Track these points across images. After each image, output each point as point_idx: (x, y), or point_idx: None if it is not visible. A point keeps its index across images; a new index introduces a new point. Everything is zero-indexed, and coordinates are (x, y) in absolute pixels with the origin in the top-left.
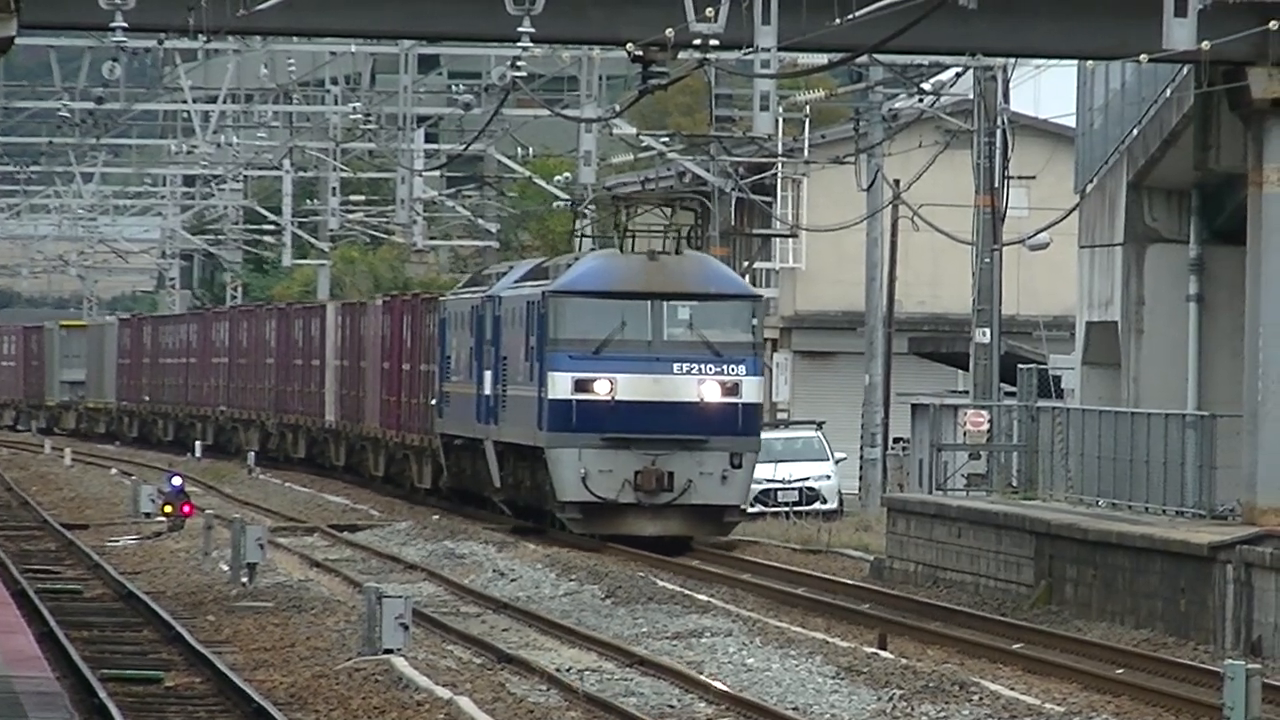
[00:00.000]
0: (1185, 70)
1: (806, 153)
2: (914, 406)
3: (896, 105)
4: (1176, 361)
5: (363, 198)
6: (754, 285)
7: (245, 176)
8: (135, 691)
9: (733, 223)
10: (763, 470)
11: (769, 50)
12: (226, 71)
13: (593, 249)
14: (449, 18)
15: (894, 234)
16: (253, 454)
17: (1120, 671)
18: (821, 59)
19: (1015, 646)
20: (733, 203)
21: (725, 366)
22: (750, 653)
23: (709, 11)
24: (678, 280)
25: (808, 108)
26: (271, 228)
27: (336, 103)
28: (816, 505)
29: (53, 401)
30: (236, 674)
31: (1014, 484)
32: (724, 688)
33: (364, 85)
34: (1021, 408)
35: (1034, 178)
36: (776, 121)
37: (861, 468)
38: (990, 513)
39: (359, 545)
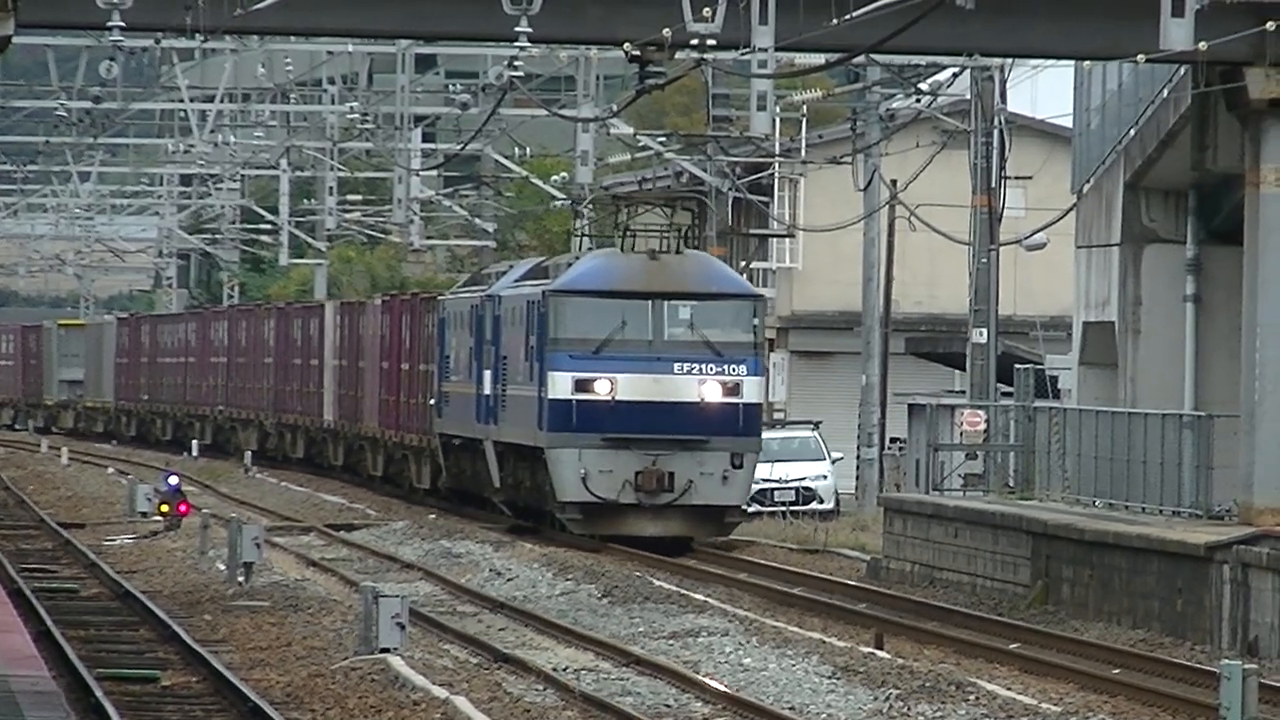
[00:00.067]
0: (1182, 71)
1: (804, 153)
2: (911, 406)
3: (894, 105)
4: (1173, 362)
5: (360, 197)
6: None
7: (242, 176)
8: (132, 691)
9: (730, 223)
10: (759, 470)
11: (766, 50)
12: (224, 71)
13: (590, 249)
14: (446, 17)
15: (891, 234)
16: (249, 453)
17: (1117, 671)
18: (819, 59)
19: (1012, 646)
20: (730, 203)
21: (726, 366)
22: (747, 652)
23: (706, 11)
24: (679, 280)
25: (805, 108)
26: (268, 227)
27: (334, 102)
28: (813, 505)
29: (51, 401)
30: (233, 673)
31: (1011, 484)
32: (721, 687)
33: (361, 85)
34: (1018, 408)
35: (1031, 178)
36: (773, 121)
37: (858, 467)
38: (987, 513)
39: (355, 545)
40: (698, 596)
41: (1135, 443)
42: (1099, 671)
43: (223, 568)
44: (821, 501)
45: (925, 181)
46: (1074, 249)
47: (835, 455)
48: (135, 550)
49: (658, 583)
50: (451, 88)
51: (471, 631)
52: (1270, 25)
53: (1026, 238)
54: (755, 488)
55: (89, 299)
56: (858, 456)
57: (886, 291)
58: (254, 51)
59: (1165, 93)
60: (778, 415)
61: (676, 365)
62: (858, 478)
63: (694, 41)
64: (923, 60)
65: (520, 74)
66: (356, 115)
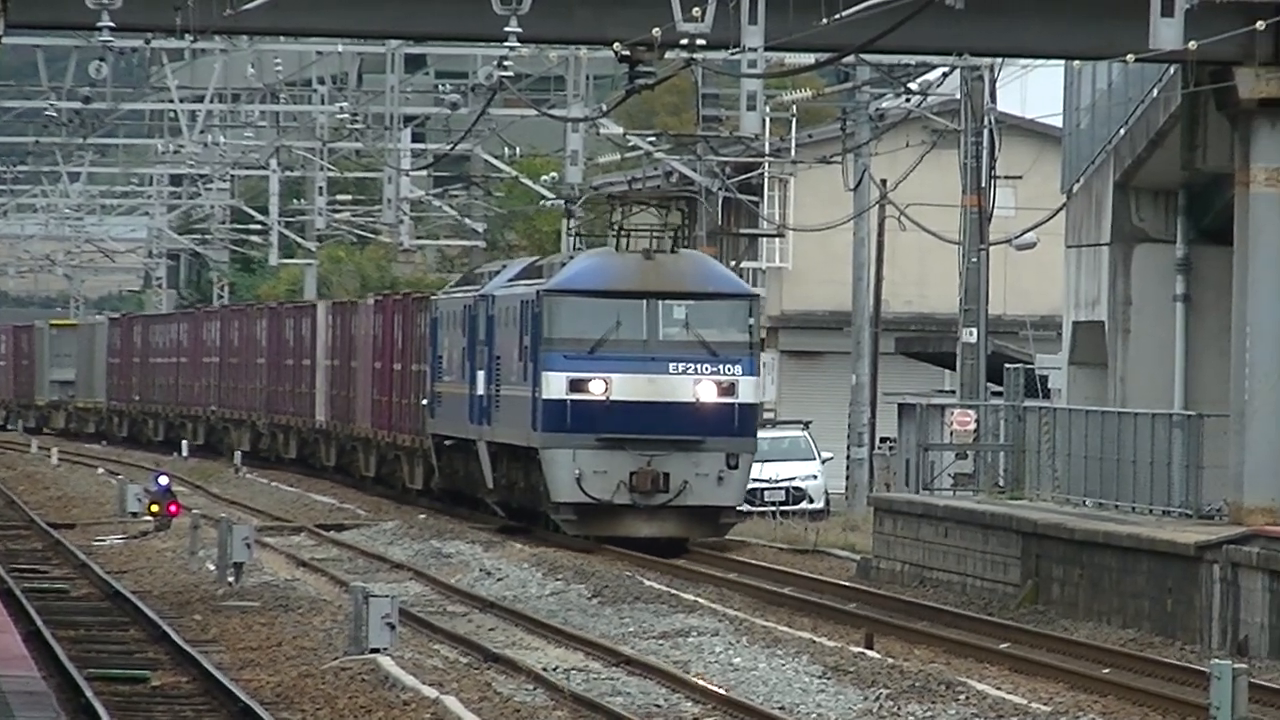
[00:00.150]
0: (1172, 70)
1: (793, 152)
2: (901, 406)
3: (883, 105)
4: (1163, 361)
5: (349, 197)
6: None
7: (232, 176)
8: (122, 691)
9: (719, 222)
10: None
11: (756, 50)
12: (213, 71)
13: (579, 249)
14: (436, 17)
15: (881, 234)
16: (239, 454)
17: (1107, 671)
18: (808, 59)
19: (1002, 646)
20: (719, 203)
21: (721, 366)
22: (737, 652)
23: (696, 11)
24: (674, 279)
25: (794, 107)
26: (258, 227)
27: (323, 102)
28: (803, 505)
29: (42, 401)
30: (223, 673)
31: (1001, 484)
32: (718, 691)
33: (351, 85)
34: (1008, 407)
35: (1021, 177)
36: (763, 121)
37: (848, 467)
38: (977, 512)
39: (346, 545)
40: (688, 596)
41: (1125, 442)
42: (1089, 671)
43: (213, 568)
44: (811, 501)
45: (915, 181)
46: (1064, 248)
47: (825, 455)
48: (125, 550)
49: (648, 583)
50: (441, 88)
51: (461, 631)
52: (1260, 25)
53: (1016, 237)
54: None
55: (79, 299)
56: (848, 456)
57: (876, 291)
58: (243, 52)
59: (1155, 92)
60: (768, 415)
61: (672, 365)
62: (848, 477)
63: (684, 41)
64: (912, 60)
65: (510, 74)
66: (346, 115)
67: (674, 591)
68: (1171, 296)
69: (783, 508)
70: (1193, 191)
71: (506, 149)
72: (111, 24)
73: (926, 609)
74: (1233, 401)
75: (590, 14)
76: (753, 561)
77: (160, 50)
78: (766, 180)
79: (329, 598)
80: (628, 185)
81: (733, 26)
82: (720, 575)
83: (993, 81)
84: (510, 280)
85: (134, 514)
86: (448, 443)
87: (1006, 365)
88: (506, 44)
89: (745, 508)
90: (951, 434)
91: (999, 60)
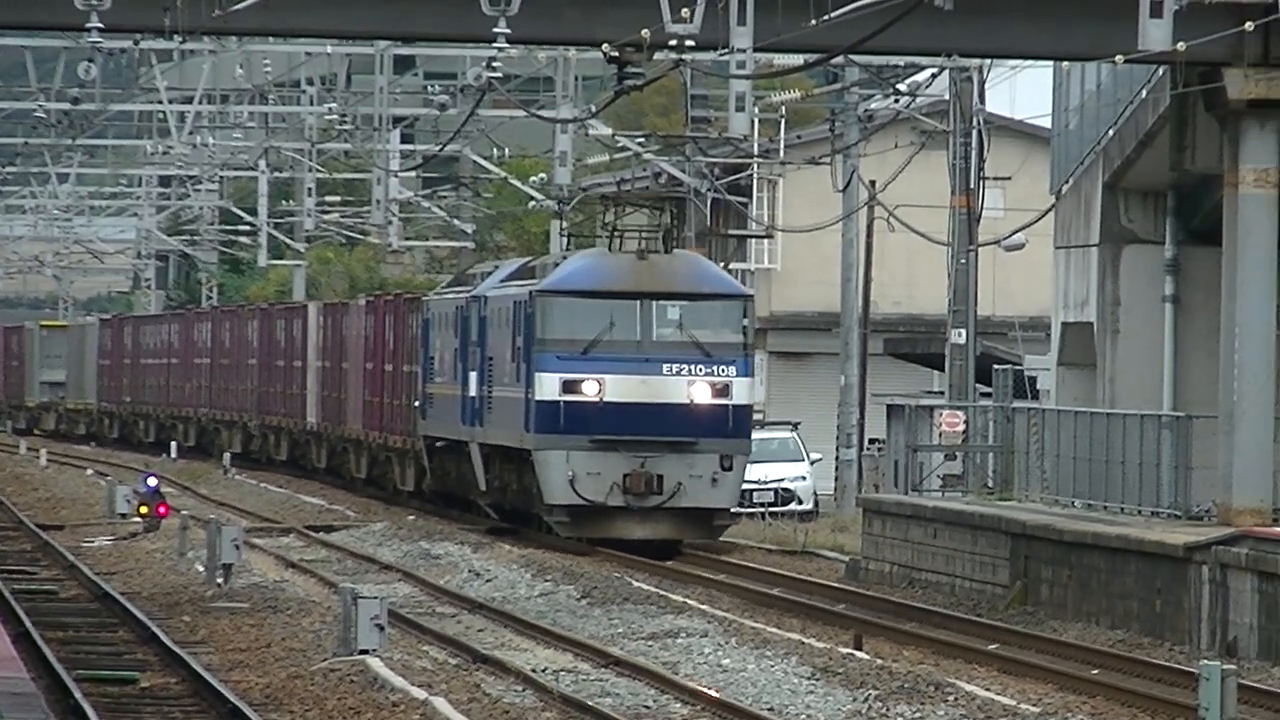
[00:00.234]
0: (1161, 71)
1: (782, 153)
2: (889, 407)
3: (872, 106)
4: (1152, 362)
5: (338, 198)
6: None
7: (221, 177)
8: (111, 692)
9: (708, 224)
10: None
11: (745, 51)
12: (202, 72)
13: (569, 249)
14: (425, 18)
15: (869, 235)
16: (228, 455)
17: (1096, 672)
18: (797, 60)
19: (991, 647)
20: (708, 204)
21: (715, 367)
22: (726, 653)
23: (685, 12)
24: (667, 280)
25: (783, 108)
26: (247, 228)
27: (312, 103)
28: (792, 506)
29: (33, 402)
30: (212, 674)
31: (989, 485)
32: (714, 694)
33: (340, 86)
34: (997, 408)
35: (1010, 178)
36: (752, 122)
37: (837, 468)
38: (966, 513)
39: (335, 546)
40: (677, 597)
41: (1114, 443)
42: (1078, 672)
43: (202, 569)
44: (800, 502)
45: (904, 182)
46: (1053, 249)
47: (814, 456)
48: (114, 552)
49: (637, 584)
50: (430, 89)
51: (450, 632)
52: (1249, 26)
53: (1005, 238)
54: None
55: (67, 300)
56: (836, 457)
57: (865, 292)
58: (232, 52)
59: (1144, 93)
60: (756, 416)
61: (665, 366)
62: (836, 478)
63: (672, 42)
64: (901, 61)
65: (499, 75)
66: (335, 116)
67: (663, 593)
68: (1160, 297)
69: (772, 509)
70: (1181, 192)
71: (495, 150)
72: (100, 25)
73: (915, 610)
74: (1221, 402)
75: (579, 15)
76: (742, 563)
77: (149, 51)
78: (755, 181)
79: (318, 599)
80: (616, 186)
81: (721, 27)
82: (709, 576)
83: (981, 82)
84: (503, 281)
85: (123, 515)
86: (439, 444)
87: (995, 366)
88: (495, 45)
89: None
90: (940, 435)
91: (988, 61)
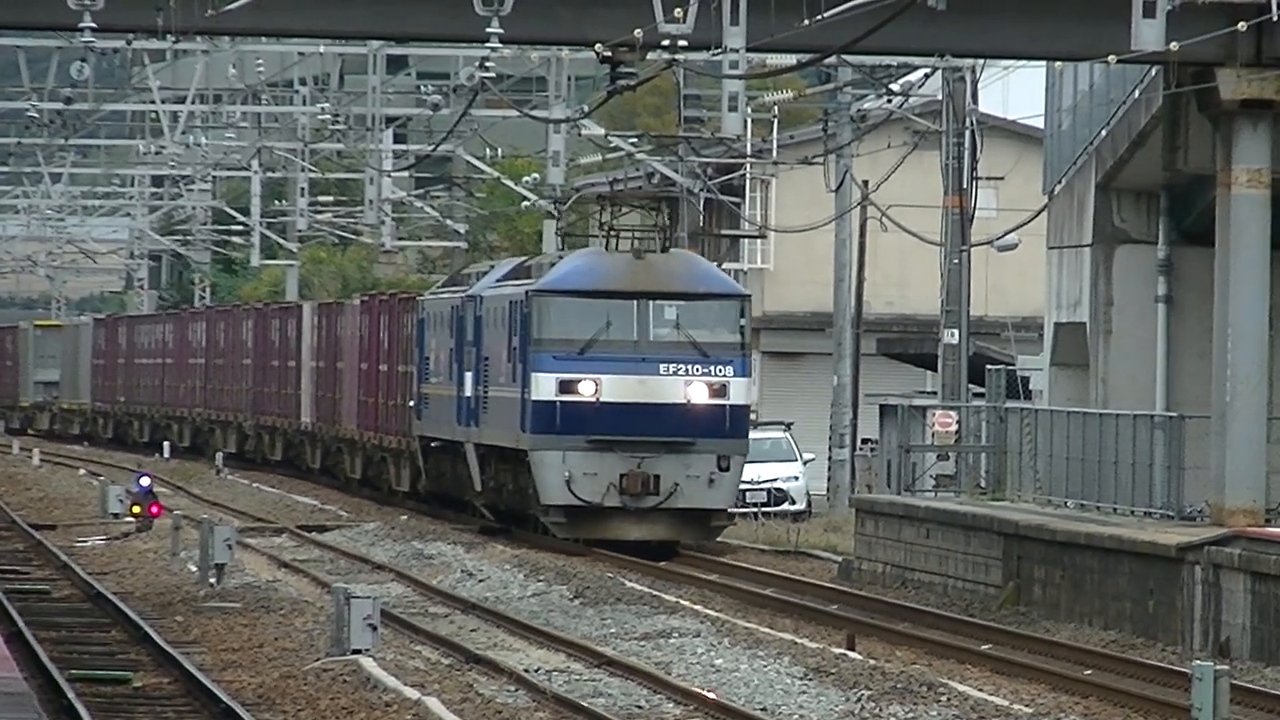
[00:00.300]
0: (1154, 71)
1: (775, 153)
2: (882, 407)
3: (865, 106)
4: (1145, 362)
5: (331, 198)
6: None
7: (214, 177)
8: (104, 692)
9: (701, 223)
10: None
11: (737, 51)
12: (195, 72)
13: (562, 249)
14: (417, 18)
15: (862, 235)
16: (220, 455)
17: (1088, 672)
18: (790, 60)
19: (984, 647)
20: (701, 204)
21: (713, 367)
22: (719, 653)
23: (677, 12)
24: (664, 279)
25: (776, 108)
26: (240, 228)
27: (305, 103)
28: (785, 506)
29: (27, 402)
30: (205, 674)
31: (982, 485)
32: (695, 689)
33: (332, 86)
34: (990, 409)
35: (1002, 178)
36: (745, 122)
37: (830, 469)
38: (959, 514)
39: (327, 546)
40: (669, 597)
41: (1107, 443)
42: (1071, 672)
43: (194, 569)
44: (793, 502)
45: (897, 182)
46: (1045, 249)
47: (807, 456)
48: (107, 551)
49: (629, 584)
50: (423, 88)
51: (443, 633)
52: (1242, 26)
53: (998, 238)
54: None
55: (60, 300)
56: (829, 457)
57: (858, 292)
58: (225, 52)
59: (1137, 93)
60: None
61: (662, 366)
62: (829, 479)
63: (665, 42)
64: (894, 61)
65: (491, 75)
66: (328, 116)
67: (655, 593)
68: (1153, 297)
69: (764, 509)
70: (1174, 192)
71: (488, 150)
72: (93, 24)
73: (908, 610)
74: (1214, 403)
75: (572, 15)
76: (734, 563)
77: (142, 51)
78: (748, 181)
79: (310, 599)
80: (609, 186)
81: (714, 27)
82: (702, 576)
83: (974, 82)
84: (498, 280)
85: (115, 515)
86: (435, 445)
87: (988, 366)
88: (488, 45)
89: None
90: (933, 435)
91: (981, 61)
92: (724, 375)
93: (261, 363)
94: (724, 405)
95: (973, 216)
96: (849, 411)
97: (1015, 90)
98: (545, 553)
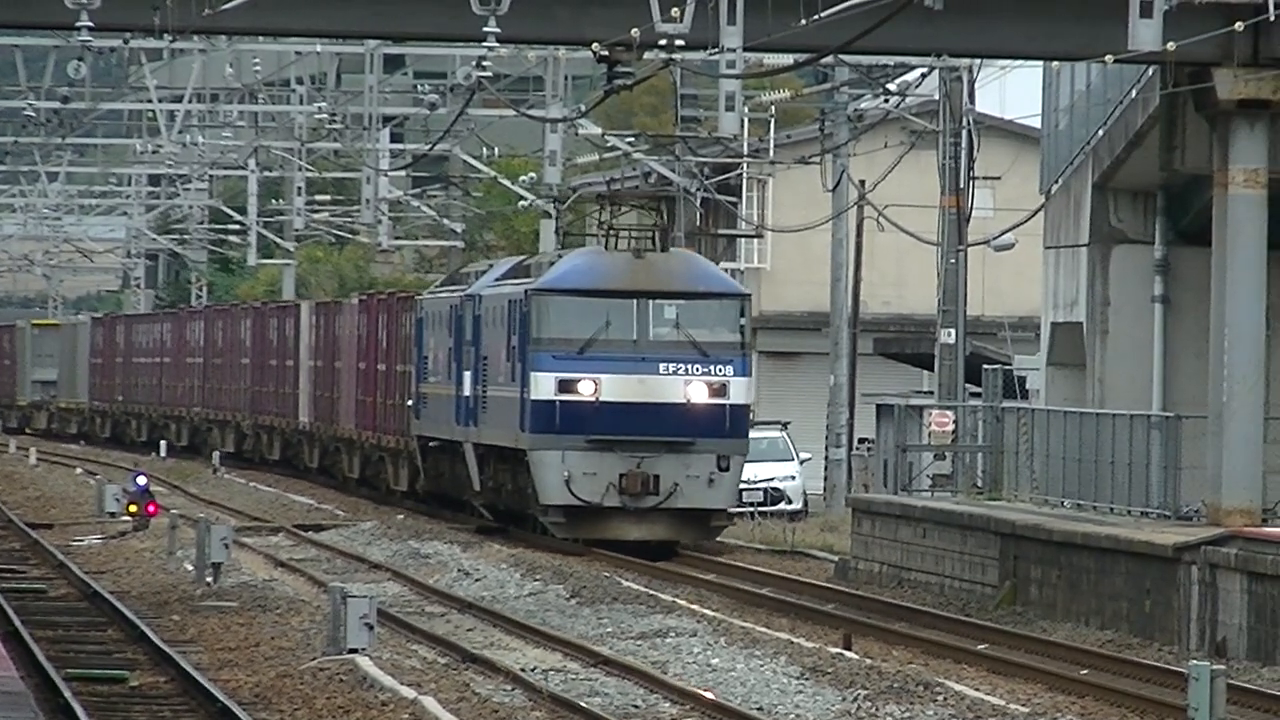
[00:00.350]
0: (1151, 71)
1: (772, 153)
2: (879, 407)
3: (862, 106)
4: (1142, 362)
5: (328, 197)
6: None
7: (210, 176)
8: (100, 691)
9: (698, 223)
10: None
11: (734, 50)
12: (192, 71)
13: (559, 248)
14: (414, 17)
15: (859, 234)
16: (217, 454)
17: (1085, 672)
18: (787, 59)
19: (980, 647)
20: (698, 203)
21: (712, 367)
22: (715, 653)
23: (675, 12)
24: (664, 278)
25: (773, 108)
26: (237, 227)
27: (302, 102)
28: (781, 506)
29: (24, 401)
30: (201, 674)
31: (979, 485)
32: (693, 689)
33: (329, 85)
34: (986, 408)
35: (999, 178)
36: (742, 122)
37: (826, 468)
38: (955, 513)
39: (324, 545)
40: (666, 597)
41: (1103, 443)
42: (1067, 672)
43: (191, 568)
44: (790, 502)
45: (893, 182)
46: (1042, 249)
47: (803, 456)
48: (103, 551)
49: (626, 583)
50: (420, 88)
51: (439, 632)
52: (1239, 26)
53: (995, 238)
54: None
55: (57, 299)
56: (826, 457)
57: (855, 292)
58: (222, 52)
59: (1133, 93)
60: None
61: (662, 366)
62: (826, 478)
63: (662, 42)
64: (891, 60)
65: (488, 74)
66: (325, 115)
67: (652, 592)
68: (1150, 297)
69: (761, 508)
70: (1171, 192)
71: (485, 149)
72: (90, 24)
73: (905, 610)
74: (1211, 402)
75: (569, 14)
76: (731, 562)
77: (139, 50)
78: (745, 181)
79: (307, 598)
80: (607, 186)
81: (711, 27)
82: (698, 576)
83: (971, 82)
84: (497, 280)
85: (112, 514)
86: (433, 444)
87: (985, 366)
88: (485, 44)
89: None
90: (930, 435)
91: (978, 61)
92: (724, 375)
93: (259, 362)
94: (724, 405)
95: (969, 216)
96: (845, 411)
97: (1012, 90)
98: (542, 552)
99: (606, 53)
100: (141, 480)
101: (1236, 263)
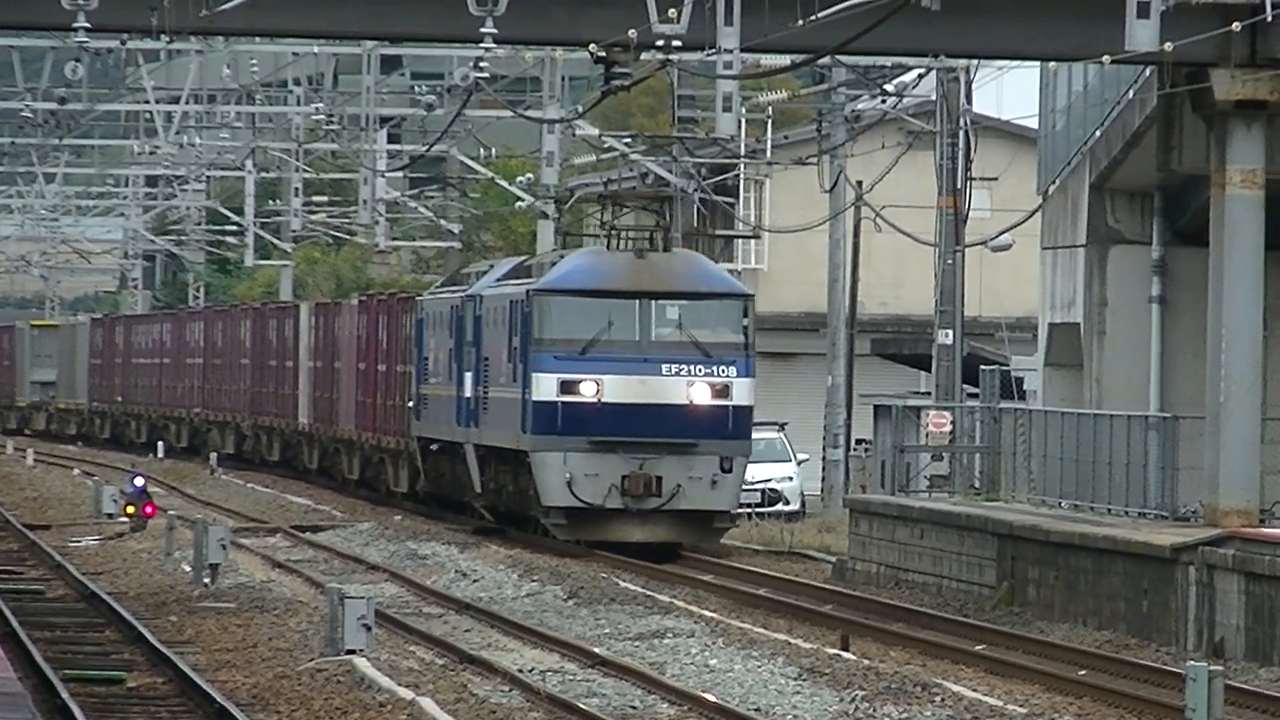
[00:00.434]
0: (1148, 72)
1: (769, 154)
2: (876, 408)
3: (859, 106)
4: (1139, 363)
5: (325, 198)
6: None
7: (208, 177)
8: (98, 692)
9: (695, 224)
10: None
11: (732, 51)
12: (189, 72)
13: (557, 248)
14: (412, 18)
15: (856, 235)
16: (214, 455)
17: (1082, 673)
18: (784, 60)
19: (978, 648)
20: (695, 204)
21: (715, 368)
22: (713, 654)
23: (672, 12)
24: (666, 279)
25: (770, 109)
26: (234, 228)
27: (299, 103)
28: (779, 506)
29: (23, 402)
30: (199, 675)
31: (976, 485)
32: (692, 691)
33: (326, 86)
34: (984, 409)
35: (996, 179)
36: (739, 123)
37: (824, 469)
38: (953, 514)
39: (321, 546)
40: (663, 598)
41: (1101, 444)
42: (1065, 673)
43: (188, 569)
44: (787, 503)
45: (890, 182)
46: (1039, 250)
47: (801, 456)
48: (101, 551)
49: (624, 584)
50: (417, 89)
51: (437, 633)
52: (1236, 26)
53: (992, 239)
54: None
55: (54, 300)
56: (823, 458)
57: (852, 292)
58: (219, 53)
59: (1131, 94)
60: None
61: (665, 366)
62: (823, 479)
63: (659, 42)
64: (888, 61)
65: (486, 75)
66: (322, 116)
67: (650, 593)
68: (1147, 298)
69: (758, 509)
70: (1168, 193)
71: (482, 150)
72: (87, 25)
73: (902, 611)
74: (1208, 403)
75: (566, 15)
76: (729, 563)
77: (136, 51)
78: (742, 181)
79: (304, 599)
80: (604, 186)
81: (708, 28)
82: (696, 577)
83: (968, 83)
84: (499, 280)
85: (110, 515)
86: (434, 446)
87: (982, 367)
88: (482, 45)
89: None
90: (927, 435)
91: (975, 62)
92: (727, 376)
93: (259, 363)
94: (727, 406)
95: (967, 217)
96: (843, 412)
97: (1009, 90)
98: (540, 553)
99: (603, 53)
100: (139, 481)
101: (1234, 263)
